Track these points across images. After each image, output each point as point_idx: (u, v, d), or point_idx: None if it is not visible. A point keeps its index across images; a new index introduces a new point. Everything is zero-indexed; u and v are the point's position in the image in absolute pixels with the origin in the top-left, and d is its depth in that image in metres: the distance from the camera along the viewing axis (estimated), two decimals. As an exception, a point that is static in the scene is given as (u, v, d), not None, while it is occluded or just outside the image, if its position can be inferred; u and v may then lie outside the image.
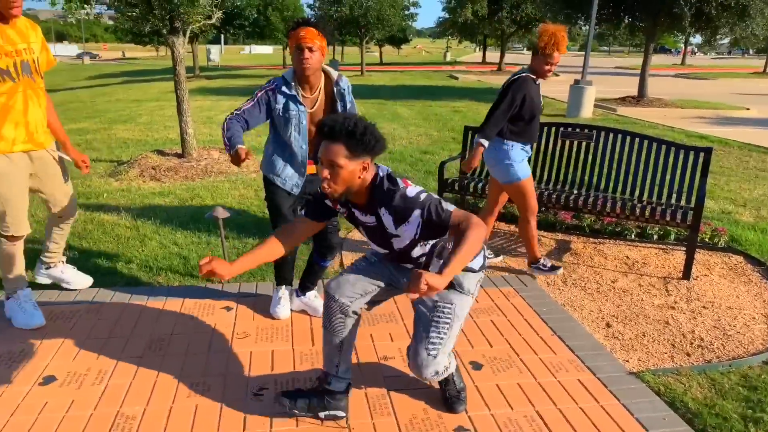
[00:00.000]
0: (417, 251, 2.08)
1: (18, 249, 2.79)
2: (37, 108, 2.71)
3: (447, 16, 32.56)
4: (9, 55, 2.54)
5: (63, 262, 3.23)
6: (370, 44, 35.56)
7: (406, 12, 26.67)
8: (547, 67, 3.39)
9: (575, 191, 4.26)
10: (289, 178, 2.82)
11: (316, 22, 2.57)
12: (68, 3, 5.27)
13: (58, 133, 2.95)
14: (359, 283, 2.15)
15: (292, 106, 2.67)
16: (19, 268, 2.83)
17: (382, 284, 2.19)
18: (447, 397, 2.31)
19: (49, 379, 2.42)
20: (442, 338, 2.08)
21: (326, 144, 1.88)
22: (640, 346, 2.92)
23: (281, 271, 3.03)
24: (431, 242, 2.07)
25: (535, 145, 3.83)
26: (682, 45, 51.41)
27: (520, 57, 60.37)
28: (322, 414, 2.17)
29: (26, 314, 2.82)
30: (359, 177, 1.91)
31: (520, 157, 3.50)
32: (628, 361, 2.78)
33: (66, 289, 3.22)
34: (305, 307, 3.08)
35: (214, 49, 36.53)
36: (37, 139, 2.74)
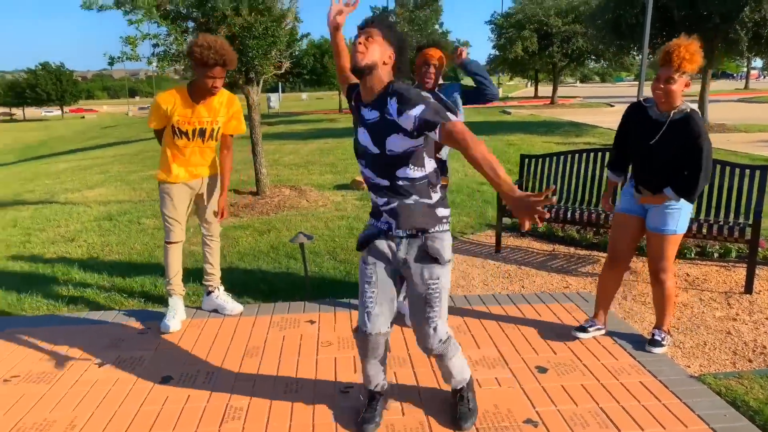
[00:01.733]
0: (406, 172, 2.12)
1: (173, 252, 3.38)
2: (199, 158, 3.36)
3: (497, 53, 33.09)
4: (191, 123, 3.24)
5: (219, 288, 3.66)
6: (422, 85, 36.23)
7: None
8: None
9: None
10: None
11: (438, 42, 3.20)
12: (160, 62, 5.99)
13: (224, 176, 3.50)
14: (385, 310, 2.28)
15: None
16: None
17: (394, 294, 2.31)
18: (457, 412, 2.43)
19: (167, 379, 2.82)
20: (436, 311, 2.25)
21: (365, 28, 2.10)
22: (702, 354, 3.04)
23: None
24: (420, 172, 2.14)
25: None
26: (745, 69, 49.74)
27: (573, 90, 59.98)
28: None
29: (164, 319, 3.38)
30: (384, 62, 2.08)
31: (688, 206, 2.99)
32: (689, 366, 2.91)
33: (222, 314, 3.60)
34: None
35: (274, 97, 38.43)
36: (197, 173, 3.38)
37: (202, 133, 3.29)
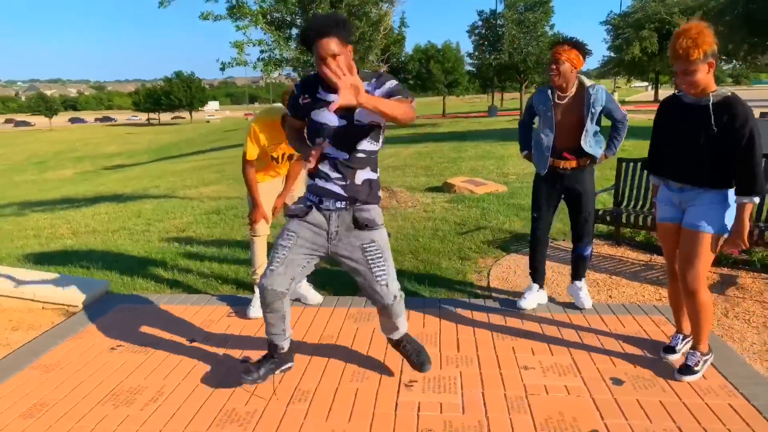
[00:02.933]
0: (365, 145, 2.40)
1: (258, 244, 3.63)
2: (279, 170, 3.66)
3: (612, 54, 31.36)
4: (282, 149, 3.49)
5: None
6: (531, 88, 35.46)
7: (568, 54, 26.26)
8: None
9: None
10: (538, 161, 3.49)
11: (570, 40, 3.25)
12: (266, 66, 6.41)
13: (287, 183, 3.70)
14: (288, 272, 2.46)
15: (542, 103, 3.42)
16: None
17: (305, 263, 2.50)
18: (414, 359, 2.73)
19: (245, 360, 3.03)
20: (383, 269, 2.47)
21: (321, 42, 2.21)
22: (810, 381, 2.71)
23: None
24: (375, 146, 2.44)
25: None
26: None
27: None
28: (278, 370, 2.66)
29: (251, 306, 3.62)
30: (351, 60, 2.31)
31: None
32: (791, 392, 2.61)
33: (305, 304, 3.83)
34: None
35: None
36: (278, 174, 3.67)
37: (291, 156, 3.56)
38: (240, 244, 5.40)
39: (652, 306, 3.64)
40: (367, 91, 2.24)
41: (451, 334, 3.26)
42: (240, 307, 3.75)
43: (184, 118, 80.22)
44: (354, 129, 2.37)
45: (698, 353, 2.76)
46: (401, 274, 4.37)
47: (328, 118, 2.38)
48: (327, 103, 2.37)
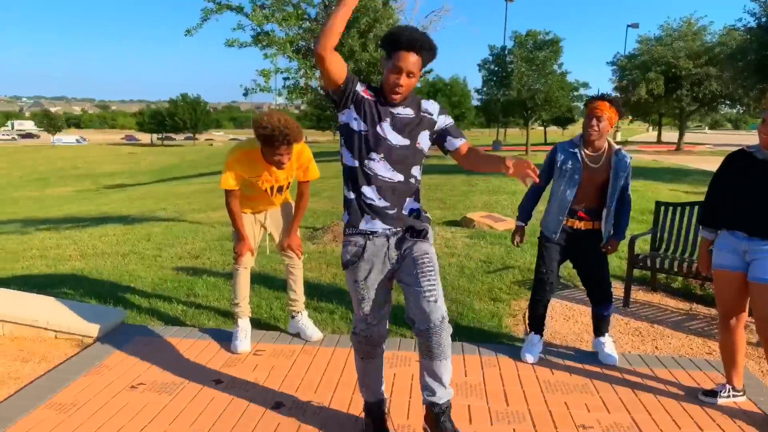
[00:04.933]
0: (417, 170, 2.35)
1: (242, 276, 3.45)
2: (270, 205, 3.51)
3: (618, 95, 31.71)
4: (269, 182, 3.35)
5: (301, 313, 3.70)
6: (535, 125, 35.71)
7: (575, 93, 26.54)
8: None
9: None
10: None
11: (611, 97, 3.11)
12: (290, 94, 6.30)
13: (295, 219, 3.57)
14: (382, 314, 2.41)
15: (570, 161, 3.24)
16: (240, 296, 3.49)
17: (389, 298, 2.43)
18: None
19: (278, 405, 2.80)
20: (434, 284, 2.24)
21: (406, 54, 2.14)
22: None
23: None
24: (420, 173, 2.37)
25: None
26: None
27: (701, 137, 55.86)
28: None
29: (236, 340, 3.42)
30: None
31: None
32: None
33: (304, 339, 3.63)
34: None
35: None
36: (261, 210, 3.50)
37: (280, 189, 3.43)
38: (259, 276, 5.19)
39: (703, 360, 3.43)
40: (430, 113, 2.35)
41: (497, 386, 3.04)
42: (266, 344, 3.53)
43: (197, 139, 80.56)
44: (412, 151, 2.31)
45: None
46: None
47: (386, 130, 2.26)
48: (388, 114, 2.26)
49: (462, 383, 3.04)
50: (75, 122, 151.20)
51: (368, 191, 2.29)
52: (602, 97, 3.13)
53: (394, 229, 2.33)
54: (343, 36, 6.01)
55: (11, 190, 28.61)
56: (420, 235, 2.34)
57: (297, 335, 3.67)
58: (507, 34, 26.30)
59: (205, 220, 9.08)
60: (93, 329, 3.56)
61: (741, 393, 2.89)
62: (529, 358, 3.35)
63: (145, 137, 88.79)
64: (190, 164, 42.51)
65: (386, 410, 2.60)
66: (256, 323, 3.86)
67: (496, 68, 24.52)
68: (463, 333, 3.80)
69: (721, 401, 2.87)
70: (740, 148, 2.84)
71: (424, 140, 2.33)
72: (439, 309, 2.22)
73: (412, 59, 2.14)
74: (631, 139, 49.61)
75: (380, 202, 2.29)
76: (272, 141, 2.99)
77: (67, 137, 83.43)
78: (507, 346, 3.55)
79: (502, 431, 2.59)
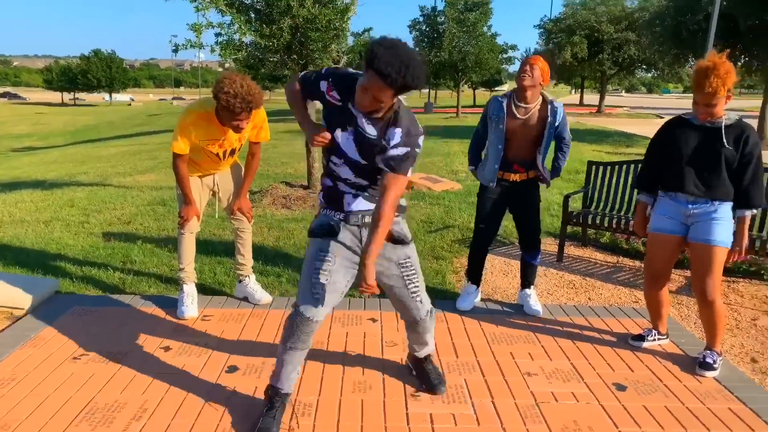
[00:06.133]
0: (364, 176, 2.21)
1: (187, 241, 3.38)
2: (218, 169, 3.39)
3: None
4: (222, 146, 3.22)
5: (249, 277, 3.65)
6: (465, 87, 36.00)
7: (504, 56, 26.98)
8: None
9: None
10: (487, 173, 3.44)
11: (545, 54, 3.10)
12: (223, 50, 6.02)
13: (245, 182, 3.46)
14: (331, 300, 2.25)
15: (497, 111, 3.33)
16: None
17: (343, 289, 2.29)
18: (433, 377, 2.61)
19: (232, 369, 2.79)
20: (417, 285, 2.43)
21: (377, 83, 1.92)
22: (793, 382, 2.84)
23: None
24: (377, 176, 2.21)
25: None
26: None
27: (619, 99, 58.63)
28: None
29: (182, 306, 3.36)
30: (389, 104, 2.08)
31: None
32: (781, 395, 2.72)
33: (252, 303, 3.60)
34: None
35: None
36: (210, 172, 3.37)
37: (233, 152, 3.33)
38: (199, 242, 5.04)
39: (631, 308, 3.71)
40: (387, 141, 2.11)
41: (446, 339, 3.16)
42: (213, 309, 3.47)
43: (106, 98, 75.32)
44: (372, 167, 2.20)
45: (716, 353, 2.93)
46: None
47: (347, 146, 2.17)
48: (352, 124, 2.14)
49: (413, 339, 3.13)
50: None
51: (341, 185, 2.25)
52: (536, 53, 3.26)
53: (366, 221, 2.27)
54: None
55: None
56: (397, 241, 2.34)
57: (245, 299, 3.63)
58: (438, -6, 26.13)
59: (132, 184, 8.65)
60: (24, 300, 3.36)
61: (665, 336, 3.18)
62: (463, 305, 3.52)
63: (53, 96, 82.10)
64: (108, 125, 39.96)
65: (287, 404, 2.41)
66: (201, 289, 3.77)
67: (427, 29, 24.42)
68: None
69: (647, 344, 3.13)
70: (677, 115, 2.94)
71: (379, 160, 2.17)
72: (425, 306, 2.48)
73: (387, 93, 1.97)
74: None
75: (355, 191, 2.26)
76: (233, 107, 2.85)
77: None
78: (452, 302, 3.68)
79: (454, 381, 2.72)
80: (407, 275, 2.38)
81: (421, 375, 2.67)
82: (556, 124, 3.31)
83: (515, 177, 3.39)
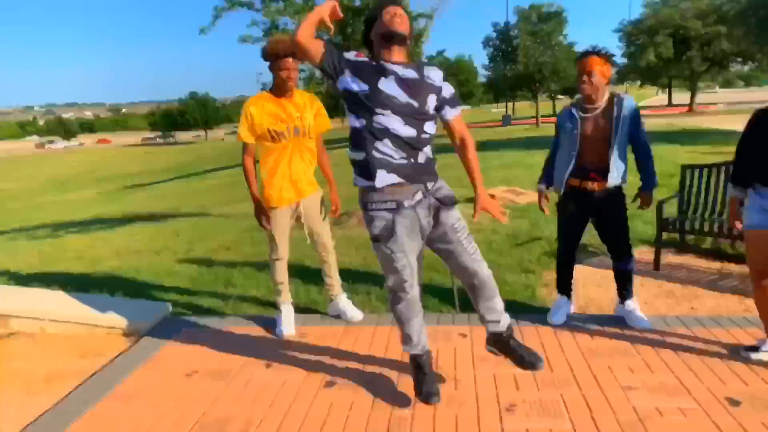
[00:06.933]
0: (430, 127, 2.43)
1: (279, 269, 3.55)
2: (300, 162, 3.45)
3: (626, 61, 31.16)
4: (284, 122, 3.34)
5: (340, 296, 3.78)
6: (543, 96, 35.24)
7: (584, 62, 26.18)
8: None
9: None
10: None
11: (598, 50, 3.16)
12: (306, 85, 6.36)
13: (328, 176, 3.70)
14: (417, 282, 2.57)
15: (569, 120, 3.33)
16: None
17: (422, 264, 2.61)
18: (526, 353, 2.58)
19: (330, 384, 2.90)
20: (471, 242, 2.52)
21: (394, 8, 2.37)
22: None
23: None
24: (434, 129, 2.47)
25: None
26: None
27: (713, 96, 54.79)
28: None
29: (281, 325, 3.55)
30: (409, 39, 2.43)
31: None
32: None
33: (345, 320, 3.73)
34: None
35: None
36: (300, 188, 3.46)
37: (297, 131, 3.35)
38: (292, 265, 5.30)
39: (741, 317, 3.47)
40: (432, 80, 2.43)
41: (539, 353, 3.10)
42: (309, 327, 3.63)
43: (204, 135, 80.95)
44: (423, 112, 2.39)
45: None
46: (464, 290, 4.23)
47: (392, 89, 2.34)
48: (390, 72, 2.35)
49: (505, 353, 3.11)
50: (88, 127, 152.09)
51: (380, 146, 2.35)
52: (589, 53, 3.18)
53: (416, 198, 2.40)
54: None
55: (32, 197, 29.10)
56: (449, 203, 2.47)
57: (337, 317, 3.77)
58: (509, 9, 25.91)
59: (229, 213, 9.22)
60: (142, 324, 3.70)
61: None
62: (555, 319, 3.44)
63: (125, 139, 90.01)
64: (205, 160, 42.78)
65: (432, 358, 2.74)
66: (297, 308, 3.96)
67: (501, 44, 24.27)
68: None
69: (763, 356, 2.90)
70: (766, 105, 2.80)
71: (431, 103, 2.42)
72: (484, 263, 2.54)
73: (398, 10, 2.36)
74: (641, 104, 48.82)
75: (395, 155, 2.35)
76: (277, 51, 3.15)
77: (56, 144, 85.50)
78: (543, 315, 3.61)
79: (550, 395, 2.67)
80: (464, 237, 2.48)
81: (510, 353, 2.61)
82: (624, 115, 3.19)
83: (594, 186, 3.29)
